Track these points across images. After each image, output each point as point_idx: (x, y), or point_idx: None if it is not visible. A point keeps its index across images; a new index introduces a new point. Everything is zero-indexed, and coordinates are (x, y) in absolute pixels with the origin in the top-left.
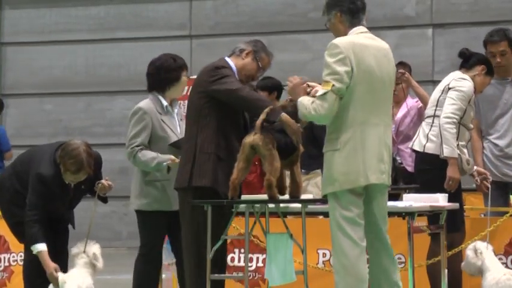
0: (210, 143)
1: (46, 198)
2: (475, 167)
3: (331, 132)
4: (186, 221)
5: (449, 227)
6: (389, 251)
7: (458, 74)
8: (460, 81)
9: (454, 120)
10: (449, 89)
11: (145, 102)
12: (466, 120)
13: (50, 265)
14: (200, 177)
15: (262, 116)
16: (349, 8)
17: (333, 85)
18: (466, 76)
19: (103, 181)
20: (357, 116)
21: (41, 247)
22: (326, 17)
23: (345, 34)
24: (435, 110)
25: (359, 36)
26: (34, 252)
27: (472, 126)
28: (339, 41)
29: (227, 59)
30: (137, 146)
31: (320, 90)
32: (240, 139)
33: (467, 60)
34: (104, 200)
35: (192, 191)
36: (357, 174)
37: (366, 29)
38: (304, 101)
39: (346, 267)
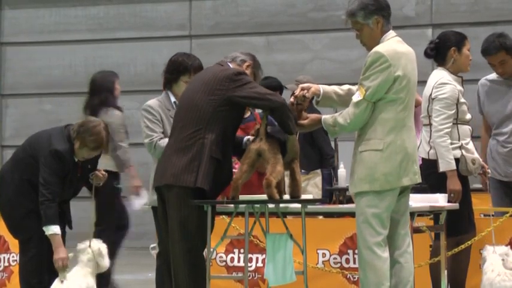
0: (217, 147)
1: (60, 175)
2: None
3: (372, 132)
4: (182, 219)
5: (457, 229)
6: (404, 248)
7: (437, 76)
8: (439, 89)
9: (445, 131)
10: (432, 99)
11: (152, 100)
12: (462, 118)
13: (63, 250)
14: (204, 180)
15: (264, 121)
16: (388, 13)
17: (366, 93)
18: (444, 77)
19: (97, 172)
20: (399, 119)
21: (56, 229)
22: (361, 21)
23: (378, 39)
24: (429, 118)
25: (395, 43)
26: (46, 233)
27: (470, 116)
28: (384, 49)
29: (229, 64)
30: (156, 137)
31: (355, 95)
32: (233, 145)
33: (437, 56)
34: (97, 190)
35: (193, 192)
36: (396, 176)
37: (395, 33)
38: (328, 120)
39: (372, 265)
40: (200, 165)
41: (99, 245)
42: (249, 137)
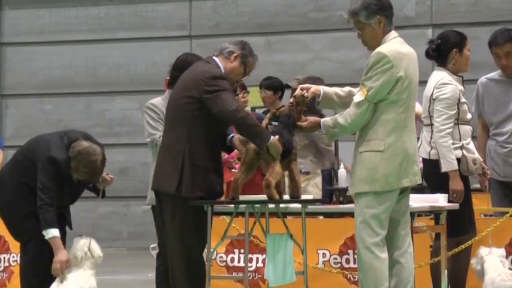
0: (200, 154)
1: (57, 181)
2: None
3: (373, 133)
4: (177, 225)
5: (458, 229)
6: (404, 248)
7: (438, 76)
8: (440, 89)
9: (447, 131)
10: (434, 100)
11: (156, 99)
12: (463, 118)
13: (64, 253)
14: (191, 189)
15: (265, 121)
16: (391, 13)
17: (368, 93)
18: (445, 78)
19: (104, 175)
20: (400, 120)
21: (55, 232)
22: (363, 20)
23: (380, 39)
24: (430, 119)
25: (397, 43)
26: (46, 237)
27: (471, 116)
28: (386, 50)
29: (215, 59)
30: (158, 135)
31: (356, 96)
32: (223, 146)
33: (437, 57)
34: (103, 193)
35: (182, 200)
36: (396, 177)
37: (396, 34)
38: (328, 122)
39: (371, 265)
40: (183, 174)
41: (98, 251)
42: (232, 134)
